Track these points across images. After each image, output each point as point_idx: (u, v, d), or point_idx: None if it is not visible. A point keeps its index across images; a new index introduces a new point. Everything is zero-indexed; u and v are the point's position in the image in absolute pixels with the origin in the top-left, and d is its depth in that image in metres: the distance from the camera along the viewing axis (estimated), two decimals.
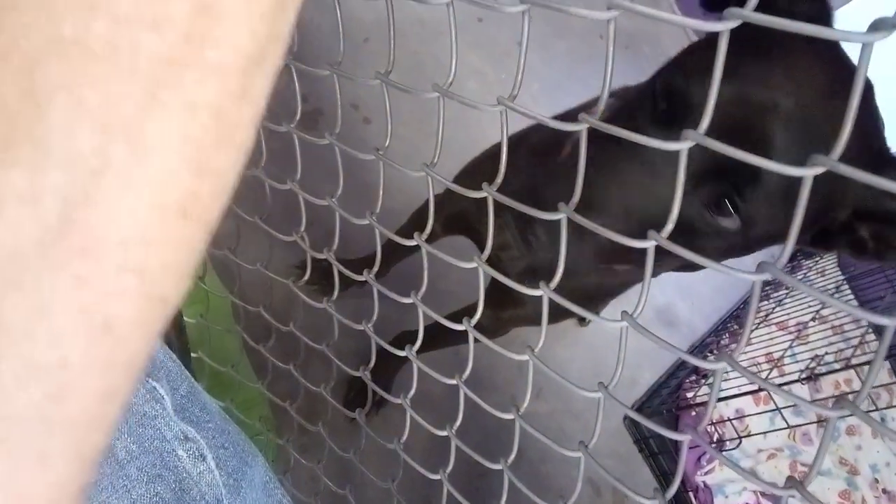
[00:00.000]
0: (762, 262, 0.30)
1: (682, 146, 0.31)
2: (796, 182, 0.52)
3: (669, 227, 0.34)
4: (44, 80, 0.18)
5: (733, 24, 0.28)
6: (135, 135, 0.19)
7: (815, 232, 0.61)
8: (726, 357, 0.33)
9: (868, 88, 0.58)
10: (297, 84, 0.65)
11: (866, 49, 0.27)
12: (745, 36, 0.54)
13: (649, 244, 0.35)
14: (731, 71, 0.52)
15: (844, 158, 0.28)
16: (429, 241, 0.58)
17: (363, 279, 0.70)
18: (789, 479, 0.35)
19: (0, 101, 0.18)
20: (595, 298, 0.91)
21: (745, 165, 0.50)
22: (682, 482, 1.74)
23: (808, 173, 0.28)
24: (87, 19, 0.18)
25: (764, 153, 0.52)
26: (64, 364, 0.19)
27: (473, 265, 0.50)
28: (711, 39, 0.59)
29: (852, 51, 0.56)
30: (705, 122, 0.31)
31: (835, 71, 0.55)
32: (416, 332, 0.66)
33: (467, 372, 0.61)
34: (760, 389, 1.57)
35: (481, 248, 0.52)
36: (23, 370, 0.19)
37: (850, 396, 0.32)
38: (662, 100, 0.57)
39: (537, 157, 0.76)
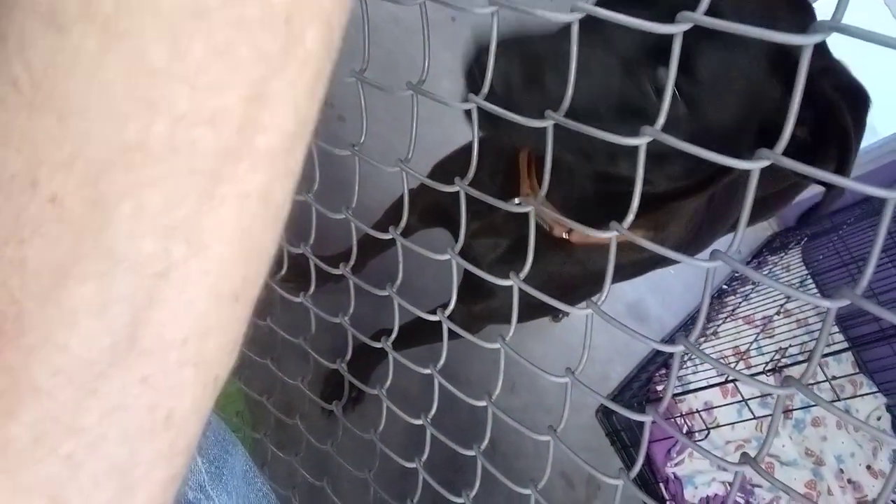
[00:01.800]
0: (715, 251, 0.33)
1: (640, 141, 0.33)
2: (737, 63, 0.52)
3: (630, 217, 0.36)
4: (109, 188, 0.18)
5: (685, 26, 0.30)
6: (193, 233, 0.19)
7: (756, 131, 0.58)
8: (683, 340, 0.35)
9: None
10: None
11: (806, 49, 0.29)
12: None
13: (611, 234, 0.37)
14: None
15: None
16: (405, 234, 0.60)
17: (339, 272, 0.71)
18: (743, 454, 0.37)
19: (67, 213, 0.18)
20: (568, 292, 0.93)
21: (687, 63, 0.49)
22: (653, 473, 1.77)
23: (755, 166, 0.30)
24: (148, 122, 0.17)
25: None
26: (134, 460, 0.20)
27: (447, 257, 0.52)
28: None
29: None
30: (661, 120, 0.33)
31: None
32: (391, 329, 0.68)
33: (442, 361, 0.62)
34: (727, 381, 1.61)
35: (456, 239, 0.53)
36: (100, 471, 0.19)
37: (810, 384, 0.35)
38: None
39: (505, 155, 0.78)
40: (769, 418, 1.86)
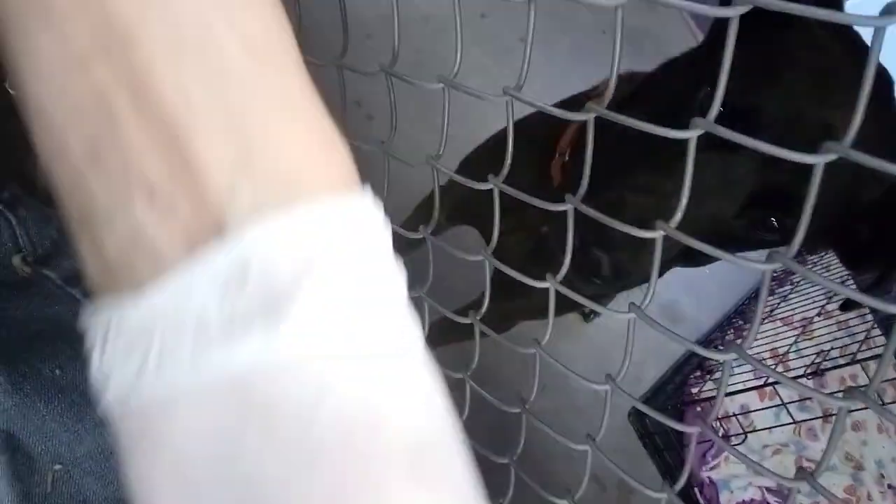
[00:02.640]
0: (772, 252, 0.30)
1: (691, 134, 0.31)
2: (834, 196, 0.53)
3: (679, 215, 0.34)
4: None
5: (743, 9, 0.27)
6: None
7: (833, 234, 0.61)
8: (736, 348, 0.33)
9: (889, 83, 0.57)
10: None
11: (879, 33, 0.26)
12: (787, 47, 0.54)
13: (657, 234, 0.34)
14: (784, 86, 0.52)
15: (863, 149, 0.27)
16: (434, 234, 0.58)
17: None
18: (799, 470, 0.35)
19: None
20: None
21: (791, 192, 0.52)
22: (688, 477, 1.74)
23: (819, 160, 0.27)
24: None
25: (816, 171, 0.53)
26: None
27: (480, 258, 0.50)
28: (757, 40, 0.60)
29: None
30: (714, 111, 0.31)
31: (878, 88, 0.56)
32: (422, 327, 0.66)
33: (474, 364, 0.60)
34: (766, 384, 1.56)
35: (485, 236, 0.52)
36: None
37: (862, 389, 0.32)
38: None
39: (536, 147, 0.76)
40: (808, 422, 1.81)
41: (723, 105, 0.57)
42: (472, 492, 0.23)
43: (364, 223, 0.22)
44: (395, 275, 0.23)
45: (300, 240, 0.20)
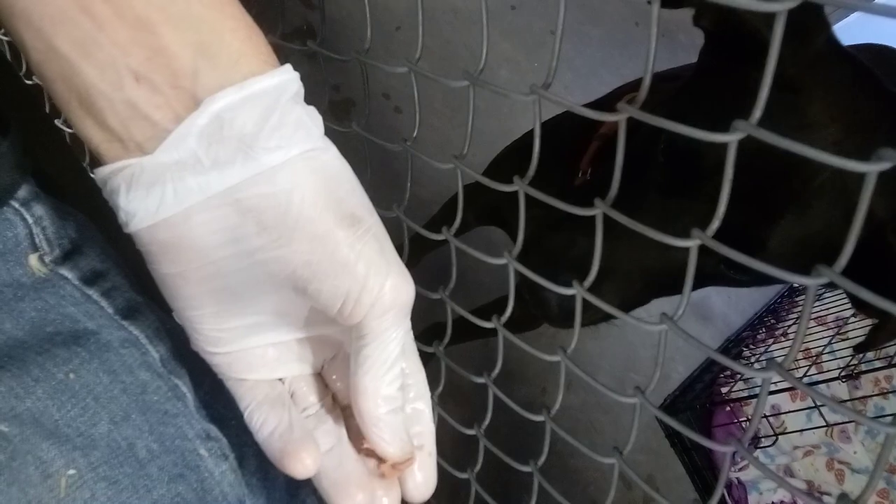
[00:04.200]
0: (818, 266, 0.28)
1: (732, 138, 0.29)
2: (809, 241, 0.50)
3: (716, 224, 0.32)
4: None
5: (791, 3, 0.25)
6: None
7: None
8: (776, 366, 0.31)
9: None
10: (324, 71, 0.63)
11: None
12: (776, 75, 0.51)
13: (692, 243, 0.32)
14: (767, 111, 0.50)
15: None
16: (460, 232, 0.56)
17: None
18: (842, 496, 0.33)
19: None
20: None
21: (753, 235, 0.50)
22: (716, 478, 1.70)
23: (872, 169, 0.25)
24: None
25: (807, 191, 0.50)
26: None
27: (503, 261, 0.48)
28: (699, 74, 0.57)
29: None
30: (757, 113, 0.29)
31: (872, 96, 0.52)
32: (445, 324, 0.65)
33: (496, 370, 0.59)
34: None
35: (513, 238, 0.50)
36: None
37: None
38: (667, 165, 0.56)
39: (567, 148, 0.73)
40: (841, 424, 1.77)
41: (677, 147, 0.55)
42: (386, 241, 0.33)
43: (289, 86, 0.30)
44: (312, 111, 0.32)
45: (252, 103, 0.28)
